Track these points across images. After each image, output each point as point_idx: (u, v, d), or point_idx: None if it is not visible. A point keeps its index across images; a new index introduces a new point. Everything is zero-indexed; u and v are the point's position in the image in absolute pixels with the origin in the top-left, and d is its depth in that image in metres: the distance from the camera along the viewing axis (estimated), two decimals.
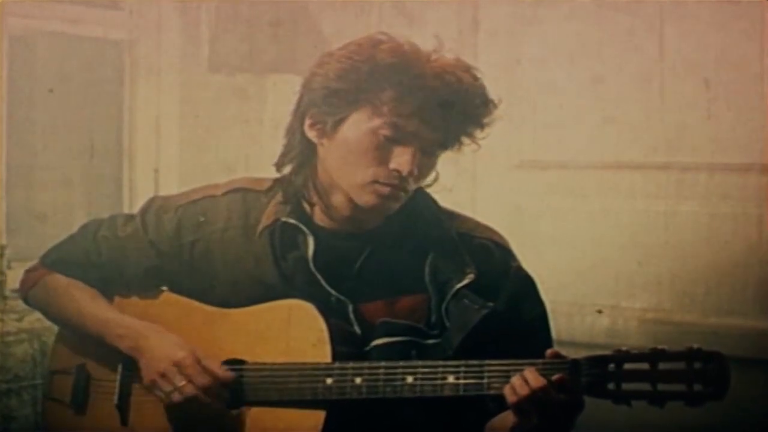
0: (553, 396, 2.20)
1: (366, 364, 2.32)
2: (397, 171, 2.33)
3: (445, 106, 2.34)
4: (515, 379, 2.21)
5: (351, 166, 2.37)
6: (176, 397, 2.39)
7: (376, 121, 2.34)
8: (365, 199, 2.36)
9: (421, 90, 2.33)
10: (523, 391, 2.20)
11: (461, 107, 2.36)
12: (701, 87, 3.43)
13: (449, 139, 2.38)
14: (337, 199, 2.41)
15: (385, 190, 2.35)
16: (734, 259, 3.45)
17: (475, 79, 2.39)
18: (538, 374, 2.21)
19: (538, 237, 3.56)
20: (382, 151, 2.34)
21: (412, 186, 2.37)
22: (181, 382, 2.39)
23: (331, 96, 2.37)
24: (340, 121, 2.37)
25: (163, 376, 2.40)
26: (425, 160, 2.37)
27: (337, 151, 2.39)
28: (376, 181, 2.35)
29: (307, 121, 2.41)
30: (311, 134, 2.42)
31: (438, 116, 2.34)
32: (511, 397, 2.22)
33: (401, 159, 2.33)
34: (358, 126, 2.36)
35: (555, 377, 2.21)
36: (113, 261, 2.55)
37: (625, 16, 3.48)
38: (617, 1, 3.49)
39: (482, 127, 2.41)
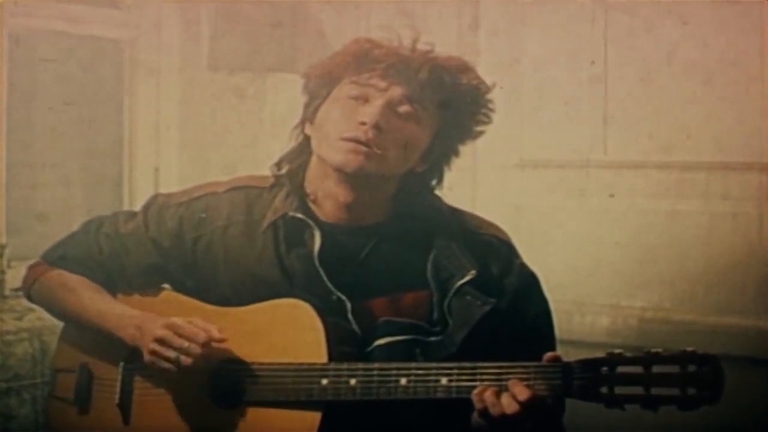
0: (537, 413, 2.21)
1: (360, 365, 2.33)
2: (363, 123, 2.35)
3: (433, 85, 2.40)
4: (504, 398, 2.22)
5: (327, 134, 2.40)
6: (186, 360, 2.37)
7: (345, 88, 2.40)
8: (336, 158, 2.38)
9: (391, 56, 2.38)
10: (512, 408, 2.20)
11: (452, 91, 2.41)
12: (701, 87, 3.42)
13: (422, 99, 2.40)
14: (329, 184, 2.42)
15: (350, 144, 2.36)
16: (734, 259, 3.44)
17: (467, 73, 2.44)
18: (523, 387, 2.22)
19: (538, 236, 3.56)
20: (350, 111, 2.38)
21: (388, 147, 2.38)
22: (185, 343, 2.37)
23: (312, 83, 2.45)
24: (319, 104, 2.43)
25: (161, 341, 2.38)
26: (406, 124, 2.39)
27: (318, 129, 2.43)
28: (343, 137, 2.37)
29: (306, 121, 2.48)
30: (307, 129, 2.46)
31: (411, 75, 2.38)
32: (494, 409, 2.23)
33: (366, 111, 2.37)
34: (332, 99, 2.42)
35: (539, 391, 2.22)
36: (115, 258, 2.56)
37: (625, 16, 3.48)
38: (617, 1, 3.49)
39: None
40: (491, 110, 2.47)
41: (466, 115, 2.45)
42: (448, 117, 2.43)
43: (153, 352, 2.39)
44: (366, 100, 2.38)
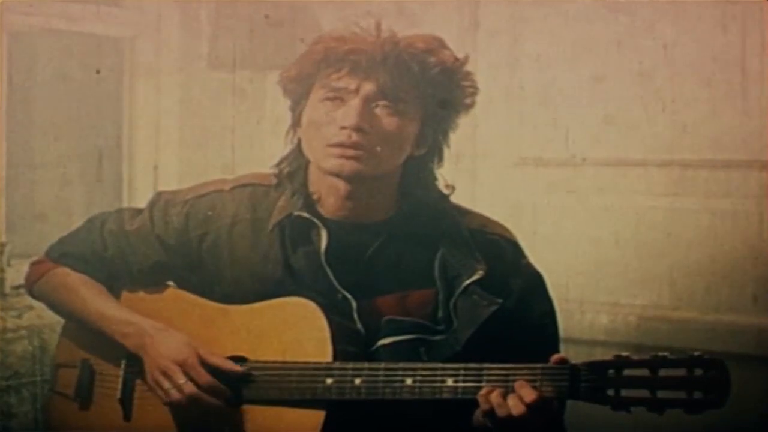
0: (539, 416, 2.22)
1: (366, 365, 2.33)
2: (344, 127, 2.36)
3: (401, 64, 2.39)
4: (510, 399, 2.22)
5: (313, 140, 2.41)
6: (175, 395, 2.40)
7: (318, 92, 2.40)
8: (328, 165, 2.39)
9: (355, 52, 2.37)
10: (518, 410, 2.21)
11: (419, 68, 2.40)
12: (701, 86, 3.43)
13: (403, 92, 2.40)
14: (329, 181, 2.43)
15: (338, 149, 2.37)
16: (734, 257, 3.45)
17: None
18: (530, 389, 2.22)
19: (538, 235, 3.56)
20: (330, 114, 2.39)
21: (375, 145, 2.38)
22: (182, 380, 2.39)
23: (289, 88, 2.46)
24: (301, 109, 2.44)
25: (165, 373, 2.41)
26: (387, 119, 2.39)
27: (306, 134, 2.44)
28: (330, 144, 2.37)
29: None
30: (298, 133, 2.47)
31: (379, 70, 2.38)
32: (500, 410, 2.24)
33: (345, 114, 2.37)
34: (310, 103, 2.42)
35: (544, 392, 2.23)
36: (119, 255, 2.56)
37: (625, 16, 3.48)
38: (617, 1, 3.49)
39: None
40: (473, 81, 2.47)
41: (447, 93, 2.44)
42: (429, 99, 2.43)
43: (155, 380, 2.42)
44: (342, 101, 2.38)
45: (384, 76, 2.37)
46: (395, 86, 2.37)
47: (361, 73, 2.37)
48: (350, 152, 2.36)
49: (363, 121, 2.36)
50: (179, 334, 2.45)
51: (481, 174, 3.73)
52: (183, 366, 2.40)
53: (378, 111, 2.38)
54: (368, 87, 2.37)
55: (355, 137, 2.36)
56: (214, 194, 2.55)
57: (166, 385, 2.40)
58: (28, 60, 3.67)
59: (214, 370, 2.40)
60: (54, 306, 2.62)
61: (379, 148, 2.38)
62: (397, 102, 2.38)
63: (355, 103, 2.37)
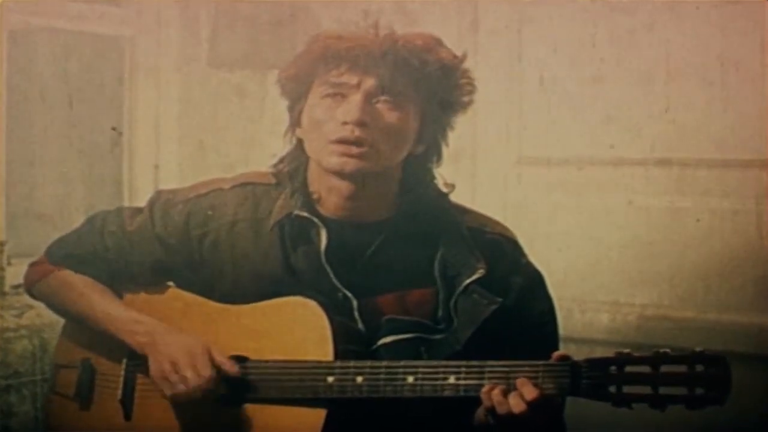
0: (540, 414, 2.22)
1: (368, 363, 2.33)
2: (346, 122, 2.36)
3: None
4: (511, 397, 2.23)
5: (315, 139, 2.41)
6: (180, 388, 2.39)
7: (319, 89, 2.40)
8: (331, 163, 2.39)
9: (354, 49, 2.38)
10: (520, 407, 2.21)
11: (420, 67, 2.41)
12: (701, 85, 3.43)
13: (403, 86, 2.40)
14: (330, 180, 2.43)
15: (341, 147, 2.37)
16: (734, 256, 3.45)
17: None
18: (531, 387, 2.23)
19: (538, 234, 3.56)
20: (331, 111, 2.39)
21: (378, 140, 2.39)
22: (188, 373, 2.38)
23: (288, 87, 2.46)
24: (301, 108, 2.45)
25: (174, 365, 2.40)
26: (388, 114, 2.39)
27: (307, 133, 2.44)
28: (332, 140, 2.38)
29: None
30: (297, 133, 2.47)
31: (379, 66, 2.38)
32: (500, 408, 2.24)
33: (346, 110, 2.37)
34: (311, 101, 2.42)
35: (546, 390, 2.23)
36: (120, 255, 2.56)
37: (625, 16, 3.49)
38: (617, 0, 3.50)
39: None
40: (471, 78, 2.47)
41: (446, 91, 2.44)
42: (428, 97, 2.43)
43: (162, 374, 2.41)
44: (343, 97, 2.38)
45: (384, 71, 2.37)
46: (395, 81, 2.38)
47: (361, 69, 2.38)
48: (354, 150, 2.36)
49: (365, 115, 2.36)
50: (188, 334, 2.45)
51: (481, 174, 3.73)
52: (191, 359, 2.39)
53: (379, 106, 2.38)
54: (369, 82, 2.37)
55: (357, 132, 2.36)
56: (214, 193, 2.55)
57: (174, 377, 2.40)
58: (28, 60, 3.67)
59: (216, 367, 2.41)
60: (56, 307, 2.62)
61: (381, 145, 2.39)
62: (398, 96, 2.39)
63: (356, 98, 2.37)
